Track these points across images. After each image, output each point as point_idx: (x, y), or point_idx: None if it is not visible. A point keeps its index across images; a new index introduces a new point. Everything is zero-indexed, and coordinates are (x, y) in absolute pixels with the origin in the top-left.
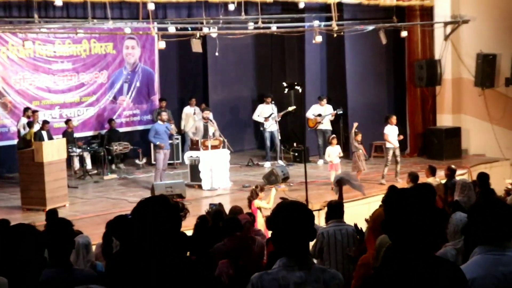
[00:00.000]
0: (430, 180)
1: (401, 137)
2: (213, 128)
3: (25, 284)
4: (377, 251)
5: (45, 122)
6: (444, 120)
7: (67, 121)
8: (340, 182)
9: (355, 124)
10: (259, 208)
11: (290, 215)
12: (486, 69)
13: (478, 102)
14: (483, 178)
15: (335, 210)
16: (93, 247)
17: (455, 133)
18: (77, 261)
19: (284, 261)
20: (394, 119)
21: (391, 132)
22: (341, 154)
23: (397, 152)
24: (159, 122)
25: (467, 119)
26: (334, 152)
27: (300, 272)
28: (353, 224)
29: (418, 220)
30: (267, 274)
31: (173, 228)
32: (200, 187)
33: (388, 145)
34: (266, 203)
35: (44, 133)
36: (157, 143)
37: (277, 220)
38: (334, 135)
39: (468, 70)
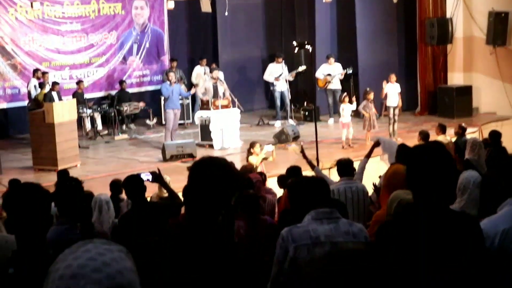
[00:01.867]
0: (440, 138)
1: (400, 103)
2: (222, 88)
3: (33, 242)
4: (389, 207)
5: (55, 83)
6: (455, 78)
7: (78, 82)
8: (378, 143)
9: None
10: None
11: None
12: (498, 27)
13: (490, 60)
14: (495, 136)
15: (344, 168)
16: None
17: (466, 91)
18: (99, 217)
19: (313, 215)
20: (392, 77)
21: (390, 91)
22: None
23: (396, 111)
24: (166, 82)
25: (478, 77)
26: (348, 109)
27: (329, 225)
28: (366, 183)
29: (441, 175)
30: (297, 227)
31: (227, 191)
32: (210, 146)
33: (388, 103)
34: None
35: (54, 94)
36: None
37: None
38: (345, 93)
39: (479, 28)
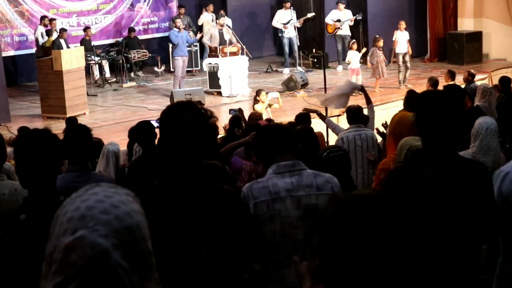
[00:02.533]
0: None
1: (409, 51)
2: (229, 34)
3: (43, 188)
4: (398, 154)
5: (63, 30)
6: (465, 24)
7: (86, 29)
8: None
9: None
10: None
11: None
12: None
13: (500, 5)
14: (505, 82)
15: (354, 115)
16: None
17: (476, 37)
18: (107, 168)
19: (274, 168)
20: (401, 24)
21: (400, 38)
22: (364, 50)
23: (406, 57)
24: (175, 29)
25: (488, 23)
26: (355, 56)
27: (291, 178)
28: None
29: (449, 119)
30: (257, 182)
31: (200, 133)
32: (219, 93)
33: (397, 50)
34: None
35: (62, 41)
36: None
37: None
38: (354, 40)
39: None
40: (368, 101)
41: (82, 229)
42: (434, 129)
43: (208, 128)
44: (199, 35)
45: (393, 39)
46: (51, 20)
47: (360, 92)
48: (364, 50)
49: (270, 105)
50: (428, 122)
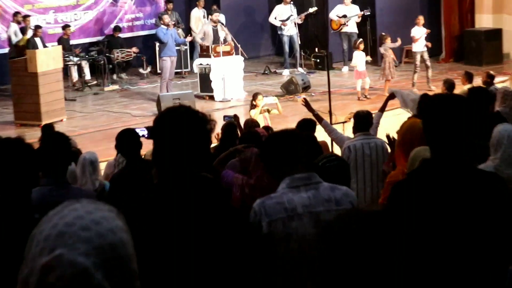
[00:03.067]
0: (467, 88)
1: (429, 44)
2: (223, 32)
3: (16, 203)
4: (410, 167)
5: (38, 27)
6: (484, 20)
7: (65, 27)
8: (392, 95)
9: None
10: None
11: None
12: None
13: None
14: None
15: (363, 121)
16: (102, 165)
17: (495, 35)
18: (82, 178)
19: (288, 182)
20: (420, 19)
21: (418, 34)
22: (370, 59)
23: (425, 55)
24: (162, 26)
25: (509, 20)
26: (361, 57)
27: (307, 193)
28: (383, 137)
29: (459, 127)
30: (269, 198)
31: (198, 142)
32: (211, 98)
33: (414, 49)
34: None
35: (37, 40)
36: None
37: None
38: (361, 39)
39: None
40: (383, 109)
41: (61, 248)
42: (443, 137)
43: (208, 135)
44: (189, 38)
45: (412, 35)
46: (25, 16)
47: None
48: (369, 59)
49: (269, 111)
50: (437, 129)
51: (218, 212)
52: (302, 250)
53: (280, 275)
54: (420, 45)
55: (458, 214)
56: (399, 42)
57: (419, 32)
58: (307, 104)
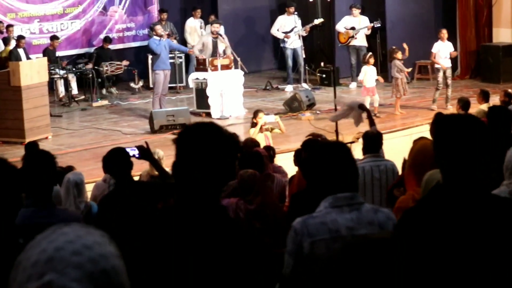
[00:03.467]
0: (483, 107)
1: (455, 53)
2: (223, 44)
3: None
4: (424, 190)
5: (21, 38)
6: (502, 35)
7: (53, 38)
8: (362, 106)
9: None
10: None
11: (334, 149)
12: None
13: None
14: None
15: (372, 142)
16: (88, 186)
17: None
18: (66, 200)
19: (331, 201)
20: (443, 33)
21: (442, 50)
22: (380, 80)
23: (448, 73)
24: (155, 37)
25: None
26: (371, 72)
27: (351, 214)
28: (391, 160)
29: (472, 149)
30: (312, 218)
31: (225, 165)
32: (208, 115)
33: (436, 65)
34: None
35: (20, 51)
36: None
37: (314, 158)
38: (370, 53)
39: None
40: (372, 123)
41: (51, 273)
42: (455, 160)
43: (235, 155)
44: (191, 51)
45: (433, 50)
46: (8, 26)
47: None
48: (381, 80)
49: (271, 129)
50: (448, 152)
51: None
52: (343, 274)
53: None
54: (443, 61)
55: (471, 243)
56: (406, 51)
57: (443, 47)
58: (315, 136)
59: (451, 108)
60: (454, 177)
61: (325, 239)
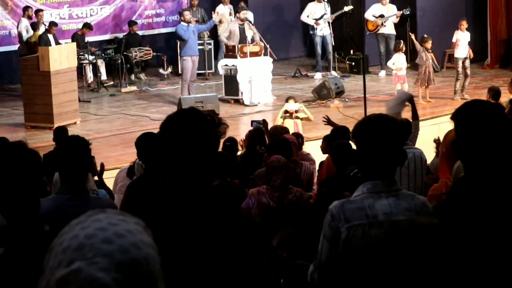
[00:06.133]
0: None
1: (471, 54)
2: (251, 31)
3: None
4: (454, 179)
5: (53, 24)
6: None
7: (85, 26)
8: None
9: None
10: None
11: (378, 127)
12: None
13: None
14: None
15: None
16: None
17: None
18: None
19: (369, 187)
20: (463, 24)
21: (461, 40)
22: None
23: (467, 63)
24: (183, 23)
25: None
26: (402, 60)
27: (388, 200)
28: (420, 148)
29: (494, 138)
30: (349, 202)
31: (206, 146)
32: (236, 102)
33: (456, 54)
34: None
35: (50, 36)
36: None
37: (362, 134)
38: (401, 40)
39: None
40: (415, 116)
41: (79, 261)
42: (476, 150)
43: (215, 139)
44: (215, 16)
45: (453, 40)
46: (37, 11)
47: (408, 104)
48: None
49: (296, 117)
50: (469, 141)
51: (216, 219)
52: (379, 260)
53: (356, 283)
54: (462, 51)
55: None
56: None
57: (462, 37)
58: (329, 122)
59: (468, 98)
60: (475, 169)
61: (361, 224)
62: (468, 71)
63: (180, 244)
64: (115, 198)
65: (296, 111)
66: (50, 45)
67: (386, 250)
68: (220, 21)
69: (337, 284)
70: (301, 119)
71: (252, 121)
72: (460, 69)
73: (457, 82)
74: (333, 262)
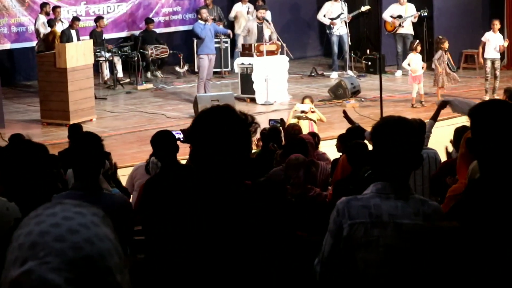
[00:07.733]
0: None
1: (503, 47)
2: (269, 30)
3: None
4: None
5: (75, 19)
6: None
7: (97, 19)
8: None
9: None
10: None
11: (397, 131)
12: None
13: None
14: None
15: None
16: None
17: None
18: None
19: (379, 187)
20: (495, 24)
21: (492, 40)
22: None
23: (496, 64)
24: (200, 21)
25: None
26: (417, 60)
27: (396, 202)
28: (434, 148)
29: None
30: (356, 199)
31: (239, 147)
32: (252, 100)
33: (486, 55)
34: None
35: (73, 32)
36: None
37: (381, 135)
38: (417, 41)
39: None
40: (435, 117)
41: (31, 261)
42: (492, 150)
43: (249, 139)
44: (230, 32)
45: (482, 39)
46: (55, 8)
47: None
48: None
49: (307, 117)
50: (485, 140)
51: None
52: (380, 260)
53: (356, 281)
54: (492, 52)
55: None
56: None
57: (493, 38)
58: (346, 117)
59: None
60: (491, 169)
61: (364, 222)
62: (498, 72)
63: (203, 242)
64: (131, 197)
65: (306, 112)
66: (72, 40)
67: (387, 251)
68: (235, 17)
69: (337, 279)
70: (314, 121)
71: (269, 120)
72: (488, 69)
73: (486, 82)
74: (334, 257)
